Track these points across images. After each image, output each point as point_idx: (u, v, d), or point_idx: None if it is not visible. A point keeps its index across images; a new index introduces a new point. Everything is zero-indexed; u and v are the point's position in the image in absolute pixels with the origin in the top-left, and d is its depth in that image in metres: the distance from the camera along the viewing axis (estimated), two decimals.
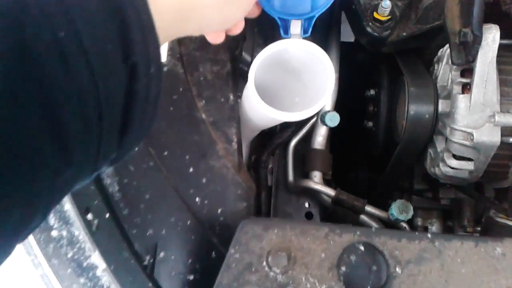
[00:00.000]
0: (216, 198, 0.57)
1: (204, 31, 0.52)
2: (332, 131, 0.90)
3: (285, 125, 0.90)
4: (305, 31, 0.61)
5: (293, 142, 0.90)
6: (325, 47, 0.90)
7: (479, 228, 0.99)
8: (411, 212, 0.77)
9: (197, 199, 0.56)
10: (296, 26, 0.60)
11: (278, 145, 0.89)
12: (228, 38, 0.66)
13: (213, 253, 0.55)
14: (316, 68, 0.60)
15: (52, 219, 0.50)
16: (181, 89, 0.61)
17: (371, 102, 0.98)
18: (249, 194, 0.60)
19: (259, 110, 0.57)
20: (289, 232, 0.50)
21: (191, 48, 0.63)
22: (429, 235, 0.52)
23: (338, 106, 0.89)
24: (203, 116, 0.61)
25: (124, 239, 0.53)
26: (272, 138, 0.89)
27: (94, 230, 0.53)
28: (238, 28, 0.55)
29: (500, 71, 0.69)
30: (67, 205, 0.51)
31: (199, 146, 0.59)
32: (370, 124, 0.98)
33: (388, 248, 0.50)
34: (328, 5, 0.59)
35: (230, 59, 0.65)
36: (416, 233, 0.52)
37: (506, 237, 0.78)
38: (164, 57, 0.61)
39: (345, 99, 0.96)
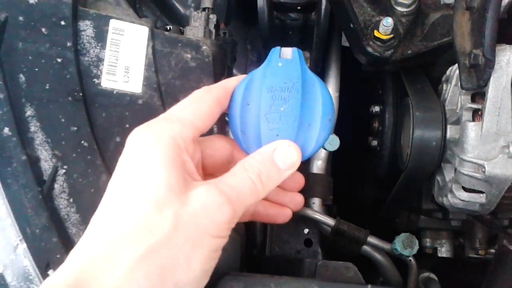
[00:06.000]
0: None
1: None
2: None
3: None
4: None
5: None
6: (325, 63, 0.84)
7: (492, 250, 0.93)
8: (416, 247, 0.71)
9: None
10: None
11: None
12: (215, 61, 0.61)
13: None
14: None
15: (9, 275, 0.46)
16: None
17: (376, 119, 0.91)
18: (235, 239, 0.55)
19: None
20: None
21: (169, 76, 0.57)
22: None
23: (340, 121, 0.83)
24: None
25: None
26: None
27: None
28: None
29: None
30: (26, 260, 0.46)
31: None
32: (375, 142, 0.91)
33: None
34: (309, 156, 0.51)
35: None
36: None
37: None
38: (138, 88, 0.56)
39: (349, 114, 0.90)
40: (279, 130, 0.48)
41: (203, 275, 0.41)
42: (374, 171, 0.94)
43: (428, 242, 0.97)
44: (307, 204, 0.81)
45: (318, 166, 0.82)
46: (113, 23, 0.56)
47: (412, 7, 0.69)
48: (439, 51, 0.73)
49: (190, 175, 0.42)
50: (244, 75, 0.51)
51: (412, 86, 0.74)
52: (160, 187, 0.39)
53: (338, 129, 0.82)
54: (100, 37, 0.56)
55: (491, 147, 0.61)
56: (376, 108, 0.91)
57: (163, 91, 0.57)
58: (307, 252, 0.84)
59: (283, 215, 0.57)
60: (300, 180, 0.59)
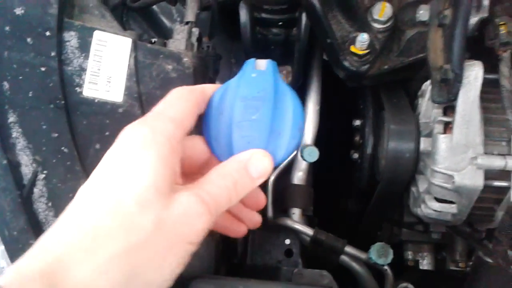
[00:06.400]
0: None
1: None
2: (319, 161, 0.86)
3: None
4: None
5: (272, 177, 0.85)
6: (306, 78, 0.86)
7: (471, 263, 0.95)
8: (390, 256, 0.73)
9: None
10: None
11: None
12: (196, 73, 0.63)
13: None
14: None
15: None
16: None
17: (357, 133, 0.93)
18: (208, 243, 0.56)
19: None
20: None
21: (150, 86, 0.59)
22: None
23: (322, 135, 0.85)
24: None
25: None
26: None
27: None
28: None
29: (485, 109, 0.65)
30: (3, 262, 0.47)
31: None
32: (356, 155, 0.93)
33: None
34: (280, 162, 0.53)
35: None
36: None
37: (495, 279, 0.74)
38: (119, 97, 0.58)
39: (336, 127, 0.92)
40: (250, 137, 0.50)
41: (171, 278, 0.41)
42: (356, 184, 0.96)
43: (410, 254, 0.98)
44: (287, 214, 0.82)
45: (299, 177, 0.84)
46: (97, 34, 0.58)
47: (388, 24, 0.71)
48: (415, 66, 0.75)
49: (176, 180, 0.43)
50: (220, 84, 0.53)
51: (389, 100, 0.76)
52: (148, 188, 0.40)
53: (321, 142, 0.85)
54: (84, 47, 0.58)
55: (461, 159, 0.64)
56: (358, 122, 0.93)
57: (143, 100, 0.59)
58: (288, 262, 0.85)
59: (237, 231, 0.57)
60: (261, 200, 0.59)
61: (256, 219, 0.58)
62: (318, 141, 0.95)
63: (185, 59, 0.61)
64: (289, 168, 0.85)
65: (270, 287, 0.45)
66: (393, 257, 0.73)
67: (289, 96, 0.53)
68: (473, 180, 0.63)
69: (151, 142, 0.41)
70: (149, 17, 0.78)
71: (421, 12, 0.71)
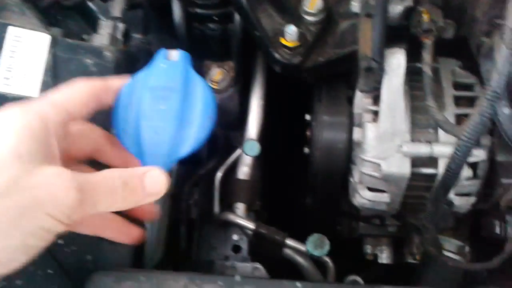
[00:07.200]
0: (86, 244, 0.53)
1: None
2: (276, 156, 0.86)
3: (211, 155, 0.86)
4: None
5: (219, 172, 0.85)
6: (252, 71, 0.86)
7: None
8: (326, 248, 0.72)
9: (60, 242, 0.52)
10: None
11: (201, 176, 0.85)
12: (118, 67, 0.62)
13: None
14: None
15: None
16: None
17: (308, 127, 0.93)
18: None
19: None
20: (145, 283, 0.45)
21: (69, 81, 0.59)
22: (298, 284, 0.47)
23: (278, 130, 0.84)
24: None
25: None
26: (195, 169, 0.85)
27: None
28: None
29: (412, 97, 0.65)
30: None
31: None
32: (307, 150, 0.93)
33: None
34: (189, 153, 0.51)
35: None
36: (284, 282, 0.48)
37: (436, 269, 0.74)
38: (35, 92, 0.58)
39: (291, 123, 0.92)
40: (158, 127, 0.50)
41: (22, 249, 0.38)
42: (308, 178, 0.96)
43: (369, 248, 0.98)
44: (231, 209, 0.82)
45: (243, 172, 0.84)
46: (11, 30, 0.58)
47: (320, 16, 0.71)
48: (352, 59, 0.75)
49: (51, 158, 0.41)
50: (129, 77, 0.53)
51: (327, 93, 0.76)
52: (6, 153, 0.38)
53: (276, 137, 0.84)
54: None
55: (388, 147, 0.64)
56: (308, 117, 0.93)
57: None
58: (236, 258, 0.85)
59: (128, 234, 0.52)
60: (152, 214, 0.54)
61: (134, 234, 0.52)
62: (273, 136, 0.96)
63: (106, 54, 0.61)
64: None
65: (171, 277, 0.45)
66: (329, 249, 0.72)
67: (200, 87, 0.53)
68: (400, 167, 0.63)
69: (20, 116, 0.40)
70: (87, 16, 0.78)
71: (354, 3, 0.71)
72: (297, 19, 0.71)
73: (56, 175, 0.39)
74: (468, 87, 0.65)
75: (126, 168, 0.46)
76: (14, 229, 0.37)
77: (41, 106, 0.42)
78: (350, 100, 0.75)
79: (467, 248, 0.73)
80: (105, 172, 0.43)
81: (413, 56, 0.63)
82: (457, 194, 0.64)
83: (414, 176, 0.64)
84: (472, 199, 0.65)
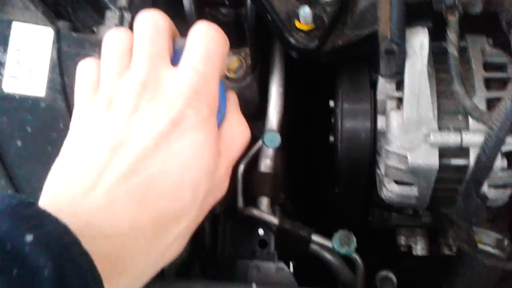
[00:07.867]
0: None
1: None
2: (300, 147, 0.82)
3: None
4: None
5: (241, 166, 0.82)
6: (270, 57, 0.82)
7: None
8: (353, 245, 0.68)
9: None
10: None
11: None
12: None
13: None
14: None
15: None
16: (61, 126, 0.55)
17: (332, 115, 0.89)
18: None
19: None
20: None
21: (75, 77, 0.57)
22: None
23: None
24: None
25: None
26: None
27: None
28: None
29: (439, 81, 0.60)
30: None
31: None
32: (332, 138, 0.89)
33: None
34: None
35: None
36: None
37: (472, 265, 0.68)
38: (42, 91, 0.56)
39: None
40: None
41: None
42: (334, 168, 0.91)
43: (403, 240, 0.93)
44: (255, 204, 0.79)
45: (266, 164, 0.80)
46: (15, 26, 0.56)
47: None
48: (374, 40, 0.70)
49: None
50: None
51: (348, 77, 0.71)
52: None
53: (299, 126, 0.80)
54: (2, 41, 0.56)
55: (414, 137, 0.59)
56: (331, 103, 0.88)
57: (68, 92, 0.57)
58: (262, 254, 0.82)
59: None
60: None
61: None
62: (297, 124, 0.92)
63: None
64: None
65: (187, 286, 0.42)
66: (356, 246, 0.68)
67: None
68: (428, 159, 0.58)
69: None
70: (97, 6, 0.76)
71: None
72: (312, 0, 0.67)
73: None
74: (500, 67, 0.59)
75: None
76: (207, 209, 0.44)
77: None
78: (374, 85, 0.70)
79: (506, 242, 0.68)
80: None
81: (438, 35, 0.58)
82: (492, 186, 0.58)
83: (443, 168, 0.58)
84: (508, 191, 0.59)
